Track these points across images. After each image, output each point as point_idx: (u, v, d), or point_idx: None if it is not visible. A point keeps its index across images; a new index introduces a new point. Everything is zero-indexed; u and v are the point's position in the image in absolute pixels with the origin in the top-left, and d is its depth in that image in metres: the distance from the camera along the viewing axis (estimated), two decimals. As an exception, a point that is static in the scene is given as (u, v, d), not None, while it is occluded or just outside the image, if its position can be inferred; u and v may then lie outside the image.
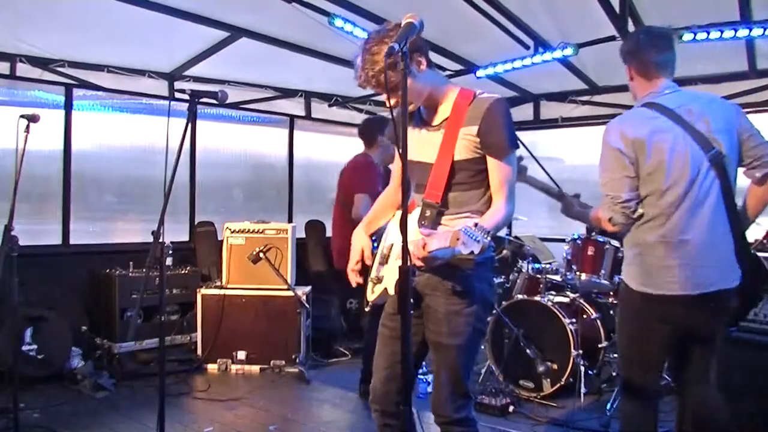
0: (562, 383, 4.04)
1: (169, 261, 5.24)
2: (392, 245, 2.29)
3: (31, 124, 3.04)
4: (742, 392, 3.20)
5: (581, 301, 4.45)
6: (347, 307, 6.18)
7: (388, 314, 2.30)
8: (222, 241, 5.25)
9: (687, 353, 2.42)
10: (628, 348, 2.49)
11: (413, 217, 2.15)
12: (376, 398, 2.28)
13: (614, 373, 4.40)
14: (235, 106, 6.25)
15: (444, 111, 2.18)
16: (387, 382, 2.24)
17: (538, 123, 6.90)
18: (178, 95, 2.73)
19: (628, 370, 2.49)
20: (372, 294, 2.34)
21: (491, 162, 2.12)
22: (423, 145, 2.21)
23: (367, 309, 2.41)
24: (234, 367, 4.92)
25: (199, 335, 5.01)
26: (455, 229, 1.75)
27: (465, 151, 2.11)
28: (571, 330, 4.06)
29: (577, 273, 4.41)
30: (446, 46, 5.13)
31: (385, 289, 2.24)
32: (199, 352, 4.98)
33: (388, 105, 1.87)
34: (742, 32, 4.11)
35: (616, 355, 4.51)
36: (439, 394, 2.19)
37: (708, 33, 4.13)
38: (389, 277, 2.22)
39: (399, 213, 2.23)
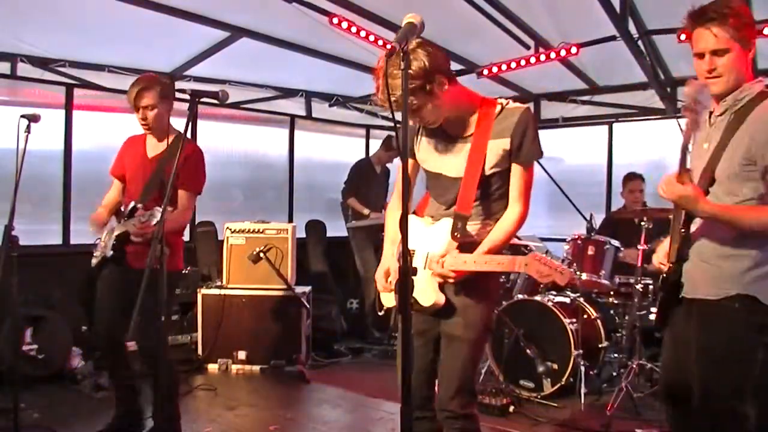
0: (562, 383, 4.04)
1: (169, 261, 5.23)
2: (413, 251, 2.28)
3: (32, 124, 3.03)
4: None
5: (581, 301, 4.45)
6: (347, 307, 6.18)
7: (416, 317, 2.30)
8: (222, 241, 5.25)
9: None
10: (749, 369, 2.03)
11: (444, 228, 2.21)
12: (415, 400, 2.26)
13: (614, 373, 4.40)
14: (236, 106, 6.24)
15: (470, 123, 2.21)
16: (417, 374, 2.27)
17: (538, 123, 6.90)
18: (178, 95, 2.73)
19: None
20: (392, 301, 2.37)
21: (516, 169, 2.18)
22: (448, 158, 2.25)
23: (381, 313, 2.46)
24: (234, 367, 4.92)
25: (199, 335, 5.00)
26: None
27: (495, 165, 2.16)
28: (571, 330, 4.06)
29: (577, 273, 4.41)
30: (446, 46, 5.10)
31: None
32: (200, 352, 4.98)
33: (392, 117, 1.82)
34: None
35: (616, 355, 4.52)
36: (447, 389, 2.21)
37: (708, 33, 4.13)
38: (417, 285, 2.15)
39: (419, 221, 2.36)
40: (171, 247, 3.09)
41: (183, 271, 3.40)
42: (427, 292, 2.18)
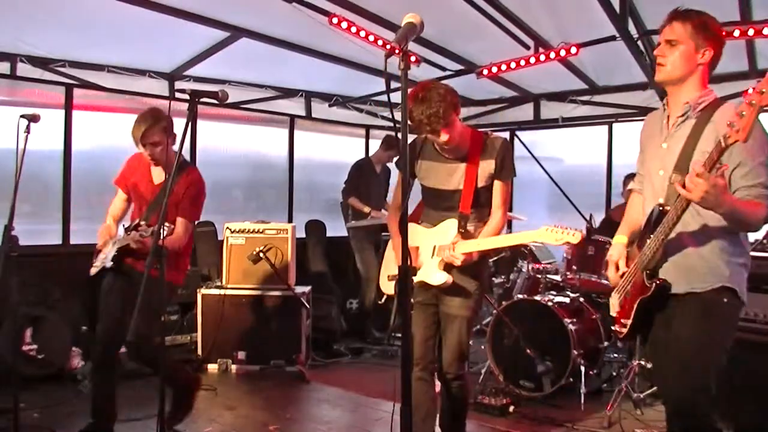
0: (562, 383, 4.04)
1: (169, 261, 5.23)
2: (418, 247, 2.92)
3: (31, 124, 3.04)
4: (742, 392, 3.20)
5: (581, 301, 4.45)
6: (347, 307, 6.18)
7: (418, 290, 2.87)
8: (222, 241, 5.25)
9: None
10: (720, 361, 2.20)
11: (450, 225, 2.81)
12: (418, 355, 2.84)
13: (614, 373, 4.40)
14: (236, 106, 6.24)
15: (463, 148, 2.81)
16: (425, 341, 2.85)
17: (538, 123, 6.90)
18: (178, 95, 2.73)
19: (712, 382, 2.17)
20: (391, 289, 2.99)
21: (498, 184, 2.83)
22: (447, 175, 2.84)
23: (380, 302, 3.06)
24: (234, 367, 4.92)
25: (199, 335, 5.00)
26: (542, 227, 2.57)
27: (484, 180, 2.80)
28: (571, 330, 4.06)
29: (577, 273, 4.41)
30: (446, 46, 5.13)
31: (421, 280, 2.83)
32: (199, 352, 4.98)
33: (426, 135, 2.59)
34: (742, 32, 4.11)
35: (616, 355, 4.53)
36: (449, 357, 2.83)
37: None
38: (423, 270, 2.84)
39: (419, 227, 2.95)
40: (171, 262, 3.30)
41: (179, 287, 3.63)
42: (437, 275, 2.77)
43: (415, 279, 2.87)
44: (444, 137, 2.67)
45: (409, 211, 2.88)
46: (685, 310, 2.16)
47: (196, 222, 3.56)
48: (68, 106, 5.06)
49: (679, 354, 2.15)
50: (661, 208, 2.17)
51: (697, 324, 2.14)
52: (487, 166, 2.78)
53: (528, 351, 4.13)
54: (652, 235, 2.18)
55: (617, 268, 2.36)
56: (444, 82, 2.73)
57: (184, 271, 3.62)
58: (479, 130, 2.90)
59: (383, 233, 5.81)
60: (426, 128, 2.63)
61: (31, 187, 4.70)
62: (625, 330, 2.30)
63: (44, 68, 5.03)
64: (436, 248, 2.81)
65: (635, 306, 2.23)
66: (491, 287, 5.03)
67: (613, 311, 2.40)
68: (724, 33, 2.26)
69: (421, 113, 2.56)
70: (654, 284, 2.16)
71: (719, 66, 2.25)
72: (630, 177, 5.13)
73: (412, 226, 3.00)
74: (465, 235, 2.78)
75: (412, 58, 4.58)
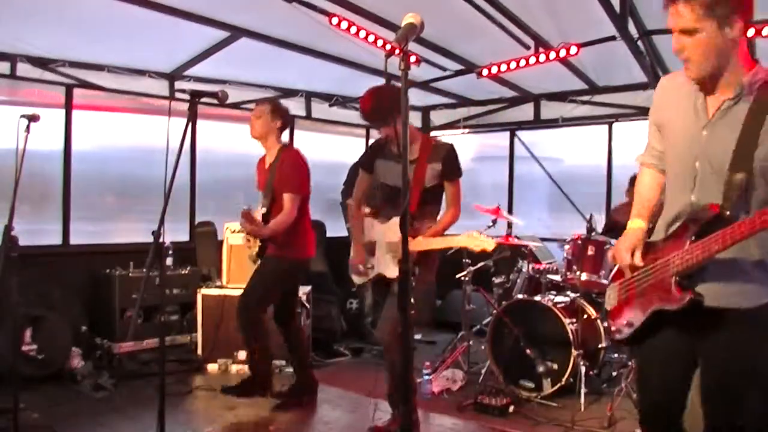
0: (562, 383, 4.05)
1: (169, 261, 5.25)
2: (375, 242, 3.40)
3: (31, 124, 3.04)
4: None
5: (581, 301, 4.45)
6: (347, 307, 6.18)
7: (380, 287, 3.42)
8: (222, 241, 5.25)
9: None
10: None
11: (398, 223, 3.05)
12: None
13: (614, 373, 4.40)
14: (236, 106, 6.24)
15: (414, 150, 3.21)
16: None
17: (538, 123, 6.89)
18: (178, 95, 2.74)
19: None
20: (360, 280, 3.48)
21: (448, 185, 3.23)
22: (399, 174, 3.21)
23: (354, 290, 3.65)
24: (234, 367, 4.91)
25: (199, 335, 5.00)
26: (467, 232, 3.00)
27: (431, 180, 3.19)
28: (571, 330, 4.06)
29: (577, 273, 4.41)
30: (446, 46, 5.13)
31: (379, 273, 3.35)
32: (200, 352, 4.98)
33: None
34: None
35: (616, 355, 4.53)
36: (385, 323, 3.22)
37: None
38: (380, 264, 3.35)
39: (375, 221, 3.40)
40: (287, 239, 3.87)
41: (305, 261, 4.18)
42: (391, 268, 3.18)
43: (372, 273, 3.40)
44: (383, 133, 3.21)
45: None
46: (729, 328, 1.85)
47: (307, 196, 3.99)
48: (68, 106, 5.07)
49: (727, 381, 1.86)
50: (718, 212, 1.79)
51: (750, 347, 1.85)
52: (434, 167, 3.16)
53: (528, 351, 4.14)
54: (693, 238, 1.81)
55: (632, 257, 1.99)
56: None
57: (308, 245, 4.04)
58: (429, 136, 3.38)
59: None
60: (365, 119, 3.26)
61: (31, 187, 4.70)
62: (628, 331, 2.01)
63: (44, 68, 5.02)
64: (387, 244, 3.25)
65: (649, 311, 1.93)
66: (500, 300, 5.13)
67: (609, 305, 2.10)
68: None
69: (364, 108, 3.14)
70: (689, 297, 1.80)
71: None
72: (636, 179, 5.12)
73: (370, 221, 3.46)
74: (411, 231, 3.07)
75: (412, 58, 4.58)
